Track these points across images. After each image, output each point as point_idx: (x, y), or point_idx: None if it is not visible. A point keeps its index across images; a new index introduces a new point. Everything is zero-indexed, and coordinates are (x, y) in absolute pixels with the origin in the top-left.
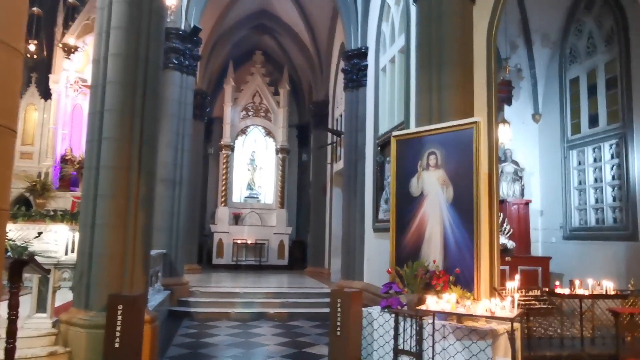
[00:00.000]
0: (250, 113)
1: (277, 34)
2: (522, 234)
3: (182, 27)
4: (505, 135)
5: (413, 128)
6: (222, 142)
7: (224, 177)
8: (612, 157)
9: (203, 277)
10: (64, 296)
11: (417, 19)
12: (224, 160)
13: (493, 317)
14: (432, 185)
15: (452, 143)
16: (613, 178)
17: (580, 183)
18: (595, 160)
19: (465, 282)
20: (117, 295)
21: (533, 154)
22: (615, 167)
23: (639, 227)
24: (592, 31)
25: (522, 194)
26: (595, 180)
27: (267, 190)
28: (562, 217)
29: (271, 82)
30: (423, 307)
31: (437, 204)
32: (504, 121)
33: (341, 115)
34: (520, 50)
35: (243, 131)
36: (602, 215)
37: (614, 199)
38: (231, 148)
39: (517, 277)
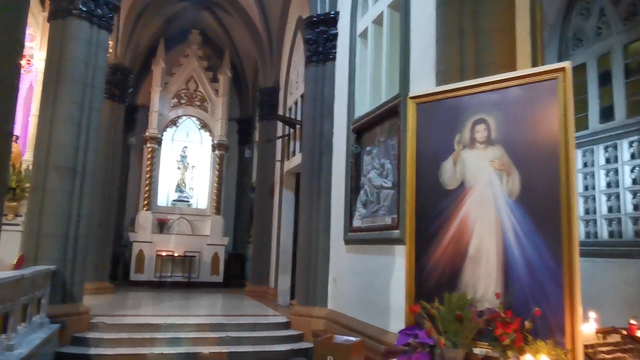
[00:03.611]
0: (183, 101)
1: (218, 8)
2: None
3: None
4: None
5: (444, 85)
6: (147, 134)
7: (148, 176)
8: (632, 156)
9: (115, 299)
10: None
11: None
12: (149, 156)
13: None
14: (482, 171)
15: (517, 104)
16: (634, 182)
17: (586, 188)
18: (608, 161)
19: (548, 331)
20: None
21: None
22: (638, 168)
23: None
24: (604, 9)
25: None
26: (609, 184)
27: (201, 192)
28: None
29: (209, 67)
30: None
31: (490, 201)
32: None
33: (296, 103)
34: None
35: (173, 122)
36: (618, 227)
37: (636, 208)
38: (158, 141)
39: (593, 315)
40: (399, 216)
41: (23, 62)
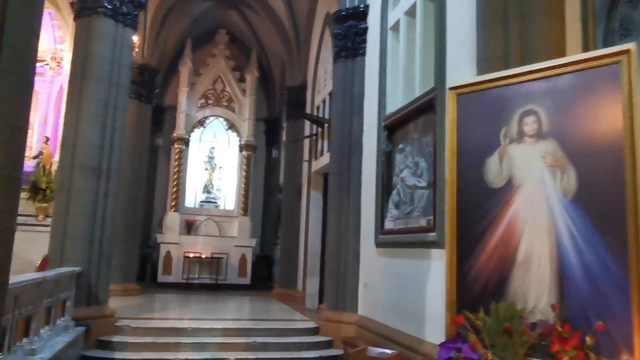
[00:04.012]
0: (210, 102)
1: (245, 7)
2: None
3: None
4: None
5: (488, 74)
6: (174, 134)
7: (175, 177)
8: None
9: (142, 301)
10: None
11: None
12: (177, 157)
13: None
14: (532, 167)
15: (572, 93)
16: None
17: None
18: None
19: (614, 348)
20: None
21: None
22: None
23: None
24: None
25: None
26: None
27: (228, 193)
28: None
29: (236, 67)
30: None
31: (541, 200)
32: None
33: (324, 101)
34: None
35: (201, 122)
36: None
37: None
38: (185, 142)
39: None
40: (436, 218)
41: (53, 64)
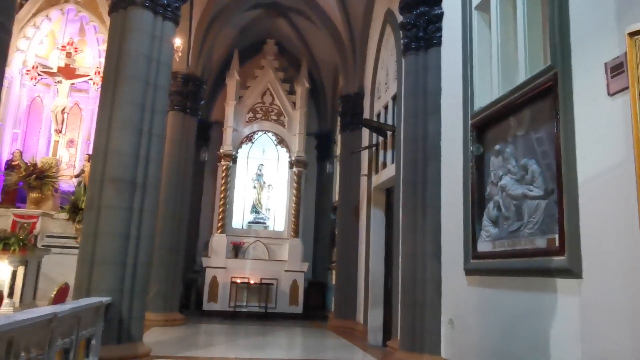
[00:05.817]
0: (258, 116)
1: (295, 14)
2: None
3: None
4: None
5: None
6: (221, 151)
7: (222, 196)
8: None
9: (184, 334)
10: None
11: None
12: (223, 174)
13: None
14: None
15: None
16: None
17: None
18: None
19: None
20: None
21: None
22: None
23: None
24: None
25: None
26: None
27: (278, 214)
28: None
29: (286, 79)
30: None
31: None
32: None
33: (386, 107)
34: None
35: (249, 138)
36: None
37: None
38: (233, 158)
39: None
40: (564, 236)
41: (97, 79)
